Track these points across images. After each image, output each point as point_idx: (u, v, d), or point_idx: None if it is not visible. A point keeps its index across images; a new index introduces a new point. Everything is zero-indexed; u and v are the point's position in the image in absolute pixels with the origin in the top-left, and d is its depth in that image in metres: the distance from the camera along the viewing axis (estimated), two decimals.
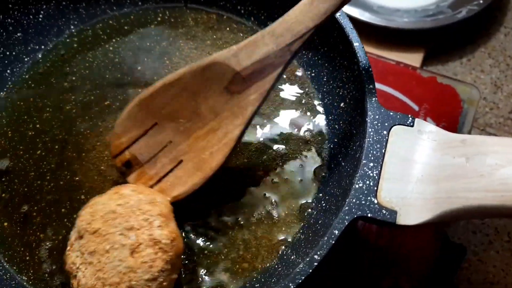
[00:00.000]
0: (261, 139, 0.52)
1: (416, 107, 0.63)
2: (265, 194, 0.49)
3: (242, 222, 0.47)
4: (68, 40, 0.60)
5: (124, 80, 0.57)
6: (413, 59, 0.75)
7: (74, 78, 0.57)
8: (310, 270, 0.37)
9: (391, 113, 0.42)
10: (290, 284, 0.36)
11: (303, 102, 0.54)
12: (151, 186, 0.45)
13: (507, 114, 0.75)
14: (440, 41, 0.79)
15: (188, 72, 0.43)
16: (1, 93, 0.56)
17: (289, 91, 0.55)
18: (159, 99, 0.45)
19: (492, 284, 0.63)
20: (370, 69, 0.44)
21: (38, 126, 0.54)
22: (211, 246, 0.46)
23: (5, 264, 0.46)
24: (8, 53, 0.57)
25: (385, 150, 0.41)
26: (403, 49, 0.77)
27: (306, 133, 0.52)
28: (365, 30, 0.71)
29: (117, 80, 0.57)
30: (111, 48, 0.59)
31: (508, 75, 0.79)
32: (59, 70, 0.58)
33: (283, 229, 0.47)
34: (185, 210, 0.47)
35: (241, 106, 0.43)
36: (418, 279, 0.53)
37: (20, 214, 0.49)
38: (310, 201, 0.48)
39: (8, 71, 0.57)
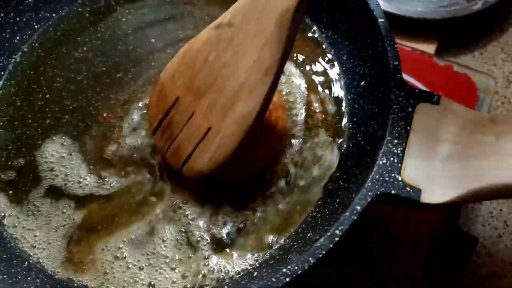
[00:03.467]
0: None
1: None
2: (281, 173, 0.48)
3: (258, 200, 0.46)
4: (80, 9, 0.58)
5: (137, 52, 0.55)
6: (426, 50, 0.74)
7: (85, 48, 0.56)
8: (331, 245, 0.35)
9: (416, 90, 0.41)
10: (310, 259, 0.35)
11: (321, 80, 0.53)
12: (187, 159, 0.43)
13: None
14: (454, 32, 0.78)
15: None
16: (10, 60, 0.55)
17: (307, 69, 0.54)
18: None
19: (500, 278, 0.62)
20: (395, 46, 0.43)
21: (48, 96, 0.53)
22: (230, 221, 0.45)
23: (11, 232, 0.45)
24: (18, 19, 0.55)
25: (409, 128, 0.40)
26: (416, 40, 0.75)
27: (324, 112, 0.51)
28: None
29: (129, 52, 0.56)
30: (123, 19, 0.58)
31: None
32: (71, 40, 0.56)
33: (298, 207, 0.46)
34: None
35: None
36: (430, 269, 0.52)
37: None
38: (327, 180, 0.47)
39: (18, 37, 0.55)
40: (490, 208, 0.67)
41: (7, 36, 0.54)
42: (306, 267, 0.35)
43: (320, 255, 0.35)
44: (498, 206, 0.67)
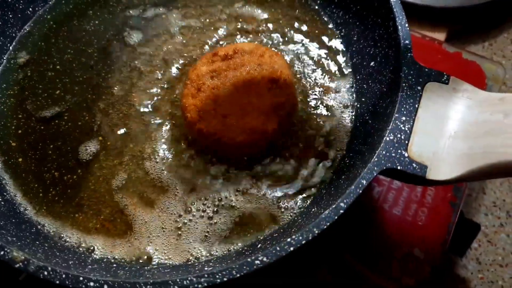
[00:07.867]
0: None
1: None
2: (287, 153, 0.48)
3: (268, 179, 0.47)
4: None
5: (148, 27, 0.56)
6: (436, 37, 0.74)
7: (97, 22, 0.56)
8: (336, 217, 0.36)
9: (426, 69, 0.41)
10: (315, 229, 0.35)
11: (330, 62, 0.53)
12: None
13: None
14: (464, 22, 0.78)
15: None
16: (22, 31, 0.55)
17: (316, 51, 0.54)
18: None
19: (501, 266, 0.63)
20: (407, 25, 0.43)
21: (58, 67, 0.53)
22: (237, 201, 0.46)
23: (19, 199, 0.45)
24: None
25: (418, 105, 0.40)
26: (426, 27, 0.75)
27: (332, 93, 0.51)
28: None
29: (141, 27, 0.56)
30: None
31: None
32: (82, 13, 0.57)
33: (302, 183, 0.46)
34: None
35: None
36: (431, 251, 0.52)
37: (35, 151, 0.48)
38: (332, 157, 0.47)
39: (30, 9, 0.56)
40: (494, 198, 0.67)
41: (20, 6, 0.55)
42: (310, 238, 0.35)
43: (325, 227, 0.35)
44: (501, 196, 0.67)
